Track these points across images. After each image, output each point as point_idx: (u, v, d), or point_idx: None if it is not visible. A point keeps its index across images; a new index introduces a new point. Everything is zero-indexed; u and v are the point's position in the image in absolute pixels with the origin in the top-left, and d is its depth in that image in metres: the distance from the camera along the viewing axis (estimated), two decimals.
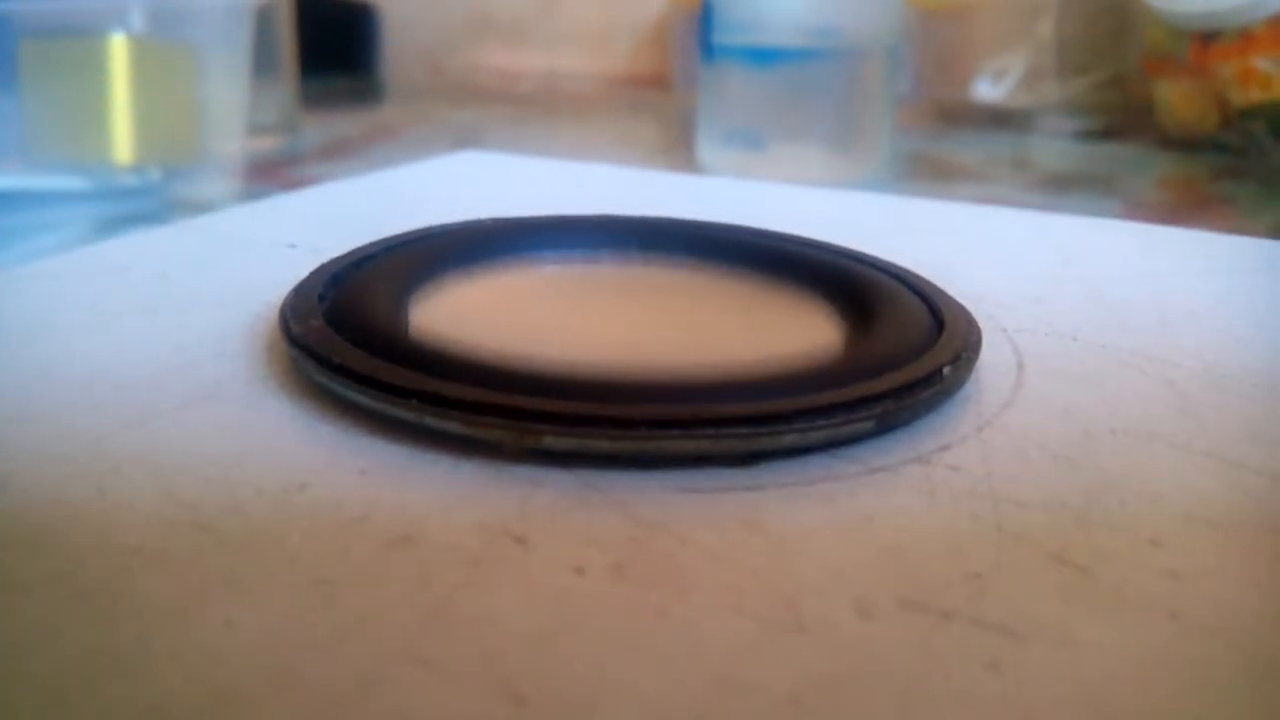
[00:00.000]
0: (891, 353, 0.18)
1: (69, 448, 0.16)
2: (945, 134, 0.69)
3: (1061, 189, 0.55)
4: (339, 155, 0.63)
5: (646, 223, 0.25)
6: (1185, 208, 0.51)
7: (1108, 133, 0.68)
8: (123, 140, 0.56)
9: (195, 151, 0.59)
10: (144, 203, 0.54)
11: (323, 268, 0.22)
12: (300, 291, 0.20)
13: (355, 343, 0.18)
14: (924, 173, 0.59)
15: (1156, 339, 0.22)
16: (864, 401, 0.17)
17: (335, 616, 0.12)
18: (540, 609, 0.12)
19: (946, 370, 0.18)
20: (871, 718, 0.11)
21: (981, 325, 0.21)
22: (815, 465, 0.16)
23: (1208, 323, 0.23)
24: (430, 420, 0.16)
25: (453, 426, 0.16)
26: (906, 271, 0.23)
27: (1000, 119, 0.69)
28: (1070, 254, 0.28)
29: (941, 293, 0.22)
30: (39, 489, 0.15)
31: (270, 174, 0.59)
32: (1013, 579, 0.13)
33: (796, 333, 0.21)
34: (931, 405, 0.18)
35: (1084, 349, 0.21)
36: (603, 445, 0.16)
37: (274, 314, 0.21)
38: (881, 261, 0.24)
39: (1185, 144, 0.63)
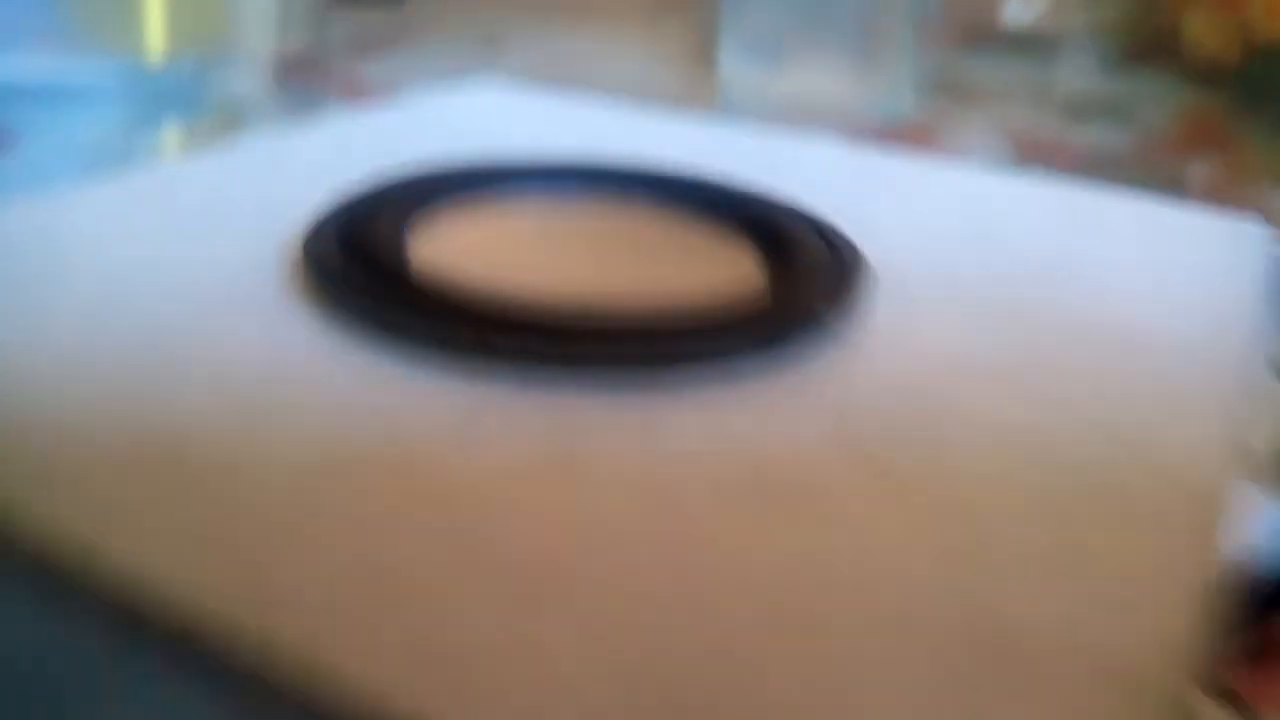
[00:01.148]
0: (791, 291, 0.20)
1: (128, 350, 0.18)
2: (971, 56, 0.68)
3: (1078, 116, 0.55)
4: (367, 52, 0.64)
5: (616, 168, 0.27)
6: (1196, 141, 0.52)
7: (1133, 60, 0.67)
8: (155, 29, 0.57)
9: (227, 43, 0.60)
10: (176, 96, 0.55)
11: (339, 199, 0.24)
12: (320, 219, 0.22)
13: (364, 268, 0.20)
14: (945, 95, 0.59)
15: (1041, 294, 0.23)
16: (754, 331, 0.19)
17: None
18: (497, 481, 0.15)
19: (829, 308, 0.20)
20: (706, 567, 0.14)
21: (879, 272, 0.23)
22: (703, 383, 0.19)
23: (1099, 284, 0.24)
24: (418, 331, 0.19)
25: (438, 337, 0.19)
26: (826, 222, 0.24)
27: (1026, 43, 0.69)
28: (988, 212, 0.29)
29: (849, 241, 0.23)
30: (100, 386, 0.17)
31: (299, 72, 0.60)
32: (844, 487, 0.16)
33: (721, 269, 0.23)
34: (813, 339, 0.20)
35: (966, 299, 0.23)
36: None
37: (298, 239, 0.23)
38: (808, 212, 0.25)
39: (1208, 76, 0.62)
